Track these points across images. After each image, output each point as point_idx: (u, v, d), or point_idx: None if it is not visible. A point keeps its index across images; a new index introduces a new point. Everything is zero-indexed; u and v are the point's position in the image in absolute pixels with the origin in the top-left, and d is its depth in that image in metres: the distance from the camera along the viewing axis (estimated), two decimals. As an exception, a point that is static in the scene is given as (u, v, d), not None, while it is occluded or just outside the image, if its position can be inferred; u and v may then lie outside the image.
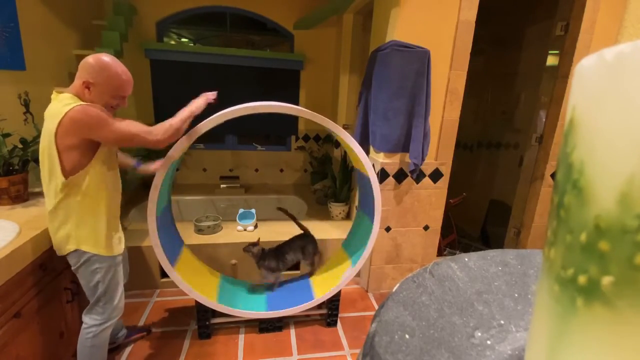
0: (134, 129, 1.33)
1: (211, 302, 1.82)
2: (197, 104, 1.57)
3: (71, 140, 1.24)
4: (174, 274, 1.72)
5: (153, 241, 1.62)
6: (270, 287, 2.11)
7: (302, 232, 2.15)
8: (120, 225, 1.56)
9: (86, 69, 1.29)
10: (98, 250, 1.39)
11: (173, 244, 1.89)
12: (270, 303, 1.99)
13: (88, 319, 1.46)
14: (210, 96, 1.62)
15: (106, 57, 1.32)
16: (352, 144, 1.76)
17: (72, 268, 1.41)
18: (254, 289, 2.11)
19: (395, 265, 2.48)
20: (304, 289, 2.09)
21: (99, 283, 1.42)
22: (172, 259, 1.76)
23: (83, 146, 1.27)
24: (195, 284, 1.81)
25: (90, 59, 1.30)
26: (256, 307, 1.94)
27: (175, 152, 1.58)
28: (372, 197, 1.88)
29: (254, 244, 1.98)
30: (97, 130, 1.26)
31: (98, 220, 1.39)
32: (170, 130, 1.41)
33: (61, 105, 1.24)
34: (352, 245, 2.14)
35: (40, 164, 1.31)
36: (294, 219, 2.08)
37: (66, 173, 1.27)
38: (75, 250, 1.37)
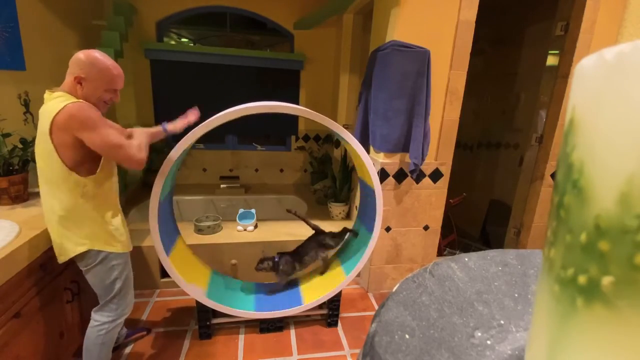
0: (123, 141, 1.31)
1: (201, 296, 1.79)
2: (182, 124, 1.64)
3: (64, 138, 1.23)
4: (168, 263, 1.69)
5: (151, 225, 1.60)
6: (267, 288, 2.10)
7: (314, 231, 2.09)
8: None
9: (77, 64, 1.29)
10: (114, 248, 1.41)
11: (170, 233, 1.86)
12: (259, 304, 1.97)
13: (99, 317, 1.47)
14: (186, 120, 1.67)
15: (95, 52, 1.32)
16: (353, 143, 1.76)
17: (84, 268, 1.40)
18: (244, 288, 2.10)
19: (395, 265, 2.48)
20: (294, 294, 2.06)
21: (116, 280, 1.44)
22: (168, 247, 1.73)
23: (79, 145, 1.26)
24: (187, 277, 1.78)
25: (80, 54, 1.30)
26: (244, 307, 1.91)
27: (176, 152, 1.58)
28: (374, 209, 1.88)
29: (262, 260, 1.94)
30: (88, 130, 1.23)
31: (111, 220, 1.41)
32: (146, 149, 1.39)
33: (55, 103, 1.23)
34: (347, 255, 2.13)
35: (38, 166, 1.30)
36: (305, 220, 2.05)
37: (70, 169, 1.27)
38: (88, 251, 1.36)
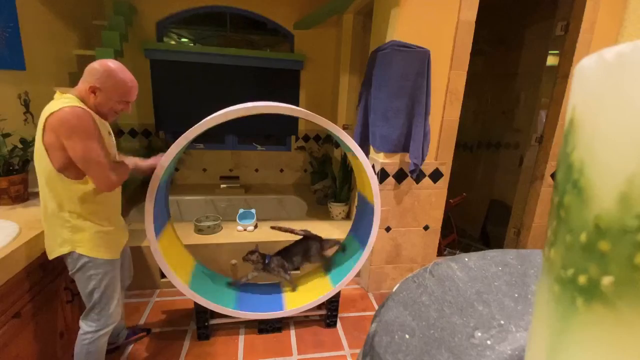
0: (104, 160, 1.28)
1: (183, 285, 1.74)
2: (148, 163, 1.58)
3: (53, 139, 1.22)
4: (156, 248, 1.65)
5: (147, 208, 1.59)
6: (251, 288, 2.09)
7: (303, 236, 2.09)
8: (124, 228, 1.55)
9: (93, 74, 1.29)
10: (96, 254, 1.37)
11: (161, 215, 1.83)
12: (240, 302, 1.94)
13: (84, 325, 1.45)
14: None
15: (112, 64, 1.32)
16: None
17: (70, 272, 1.39)
18: (228, 285, 2.07)
19: (395, 265, 2.48)
20: (276, 299, 2.04)
21: (94, 290, 1.40)
22: (158, 230, 1.70)
23: (65, 149, 1.24)
24: (173, 264, 1.74)
25: (97, 64, 1.31)
26: (224, 303, 1.87)
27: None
28: (369, 225, 1.90)
29: (252, 252, 1.96)
30: (73, 139, 1.21)
31: (101, 226, 1.38)
32: (123, 176, 1.39)
33: (57, 103, 1.23)
34: (335, 265, 2.13)
35: (35, 162, 1.30)
36: (291, 231, 2.05)
37: (57, 170, 1.26)
38: (70, 253, 1.34)
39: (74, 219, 1.32)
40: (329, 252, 2.16)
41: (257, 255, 1.95)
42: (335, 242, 2.16)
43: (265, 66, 3.53)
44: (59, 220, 1.32)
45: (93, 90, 1.30)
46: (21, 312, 1.31)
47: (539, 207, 2.50)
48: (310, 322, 2.14)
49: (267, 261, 1.96)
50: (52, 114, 1.20)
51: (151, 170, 1.58)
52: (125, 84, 1.34)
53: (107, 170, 1.29)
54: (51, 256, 1.37)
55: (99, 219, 1.39)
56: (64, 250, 1.34)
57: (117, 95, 1.34)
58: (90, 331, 1.44)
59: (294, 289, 2.09)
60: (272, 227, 2.07)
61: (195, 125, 1.57)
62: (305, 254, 2.04)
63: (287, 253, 2.02)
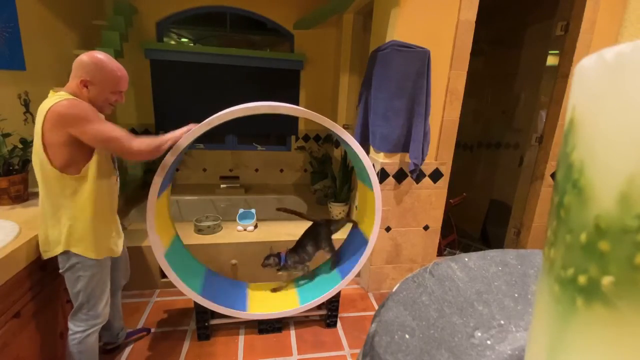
0: (117, 133, 1.31)
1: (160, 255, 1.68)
2: (181, 131, 1.56)
3: (57, 136, 1.22)
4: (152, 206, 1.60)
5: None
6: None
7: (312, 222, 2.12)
8: (119, 229, 1.54)
9: (82, 68, 1.29)
10: (87, 253, 1.36)
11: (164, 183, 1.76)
12: (205, 290, 1.87)
13: (72, 325, 1.44)
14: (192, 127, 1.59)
15: (100, 55, 1.32)
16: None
17: (60, 271, 1.39)
18: (200, 269, 2.05)
19: (395, 265, 2.48)
20: (240, 298, 2.01)
21: (80, 292, 1.40)
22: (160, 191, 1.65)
23: (71, 144, 1.25)
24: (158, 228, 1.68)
25: (85, 57, 1.30)
26: (191, 285, 1.79)
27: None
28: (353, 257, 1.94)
29: (268, 257, 1.97)
30: (80, 125, 1.23)
31: (90, 223, 1.36)
32: (152, 144, 1.40)
33: (51, 101, 1.24)
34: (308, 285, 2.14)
35: (33, 162, 1.30)
36: (297, 213, 2.06)
37: (57, 169, 1.26)
38: (64, 253, 1.34)
39: (68, 217, 1.32)
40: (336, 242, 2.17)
41: (274, 258, 1.96)
42: (346, 221, 2.18)
43: (265, 66, 3.53)
44: (53, 218, 1.32)
45: (85, 84, 1.30)
46: (21, 312, 1.31)
47: (539, 207, 2.50)
48: (310, 322, 2.14)
49: (282, 262, 1.97)
50: (48, 111, 1.21)
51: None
52: (115, 74, 1.35)
53: (126, 141, 1.32)
54: (46, 256, 1.37)
55: (93, 218, 1.37)
56: (58, 250, 1.34)
57: (109, 86, 1.34)
58: (78, 331, 1.44)
59: (312, 278, 2.12)
60: (278, 209, 2.07)
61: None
62: (315, 239, 2.04)
63: (300, 245, 2.03)
